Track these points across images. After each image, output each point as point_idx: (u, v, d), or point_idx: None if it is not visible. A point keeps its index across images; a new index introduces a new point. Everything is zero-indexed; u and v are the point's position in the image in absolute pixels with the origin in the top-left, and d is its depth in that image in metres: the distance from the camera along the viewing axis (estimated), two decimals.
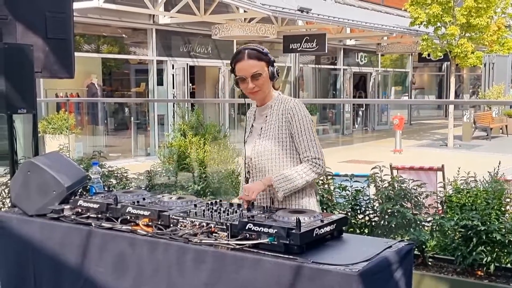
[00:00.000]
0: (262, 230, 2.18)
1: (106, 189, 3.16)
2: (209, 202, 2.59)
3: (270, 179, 2.67)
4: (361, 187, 4.47)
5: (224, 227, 2.28)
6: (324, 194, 4.48)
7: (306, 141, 2.71)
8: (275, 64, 2.78)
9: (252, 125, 2.89)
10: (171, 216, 2.44)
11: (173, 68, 14.43)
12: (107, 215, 2.63)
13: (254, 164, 2.78)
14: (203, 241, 2.27)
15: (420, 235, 4.03)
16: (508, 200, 4.06)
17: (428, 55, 18.41)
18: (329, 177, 4.65)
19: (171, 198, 2.70)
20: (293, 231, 2.12)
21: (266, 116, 2.80)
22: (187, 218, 2.39)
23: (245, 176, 2.85)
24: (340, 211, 4.35)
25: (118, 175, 5.44)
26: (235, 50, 17.41)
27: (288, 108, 2.73)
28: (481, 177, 4.33)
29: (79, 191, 2.93)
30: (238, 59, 2.73)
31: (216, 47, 15.72)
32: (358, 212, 4.41)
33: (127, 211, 2.56)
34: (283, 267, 2.07)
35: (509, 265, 4.00)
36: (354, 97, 22.44)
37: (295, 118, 2.71)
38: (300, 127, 2.71)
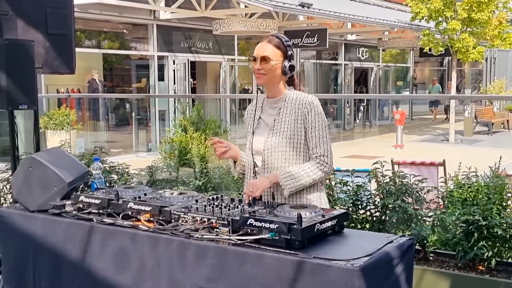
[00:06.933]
0: (263, 226, 2.18)
1: (107, 184, 3.17)
2: (211, 198, 2.59)
3: (277, 176, 2.67)
4: (362, 182, 4.47)
5: (226, 222, 2.28)
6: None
7: (318, 138, 2.71)
8: (292, 60, 2.78)
9: (260, 117, 2.86)
10: (172, 211, 2.44)
11: (174, 63, 14.42)
12: (109, 210, 2.63)
13: (266, 157, 2.76)
14: (204, 237, 2.27)
15: (421, 230, 4.03)
16: (509, 195, 4.06)
17: (430, 50, 18.38)
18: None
19: (172, 193, 2.70)
20: (294, 226, 2.12)
21: (280, 109, 2.78)
22: (189, 214, 2.39)
23: (253, 168, 2.83)
24: (341, 206, 4.35)
25: (120, 170, 5.45)
26: (236, 45, 17.36)
27: (306, 102, 2.73)
28: (482, 172, 4.32)
29: (81, 186, 2.93)
30: (260, 40, 2.79)
31: (217, 42, 15.69)
32: (359, 207, 4.41)
33: (128, 206, 2.56)
34: (285, 262, 2.07)
35: (510, 259, 4.00)
36: (355, 92, 22.41)
37: (311, 113, 2.71)
38: (314, 123, 2.71)
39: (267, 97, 2.86)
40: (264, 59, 2.72)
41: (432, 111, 24.33)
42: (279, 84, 2.79)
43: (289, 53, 2.77)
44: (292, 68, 2.77)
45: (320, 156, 2.70)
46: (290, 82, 2.84)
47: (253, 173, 2.83)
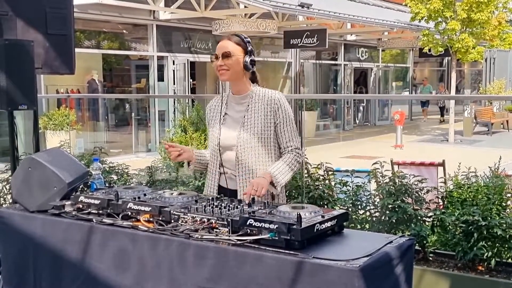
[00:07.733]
0: (263, 226, 2.17)
1: (107, 185, 3.16)
2: (210, 198, 2.59)
3: (270, 174, 2.72)
4: (362, 183, 4.47)
5: (225, 222, 2.28)
6: (325, 190, 4.49)
7: (290, 132, 2.85)
8: (252, 56, 2.84)
9: (226, 113, 2.92)
10: (172, 211, 2.44)
11: (173, 63, 14.42)
12: (108, 211, 2.62)
13: (239, 153, 2.82)
14: (204, 237, 2.27)
15: (421, 230, 4.03)
16: (509, 195, 4.06)
17: (429, 50, 18.38)
18: (330, 173, 4.66)
19: (172, 193, 2.69)
20: (294, 226, 2.12)
21: (248, 105, 2.85)
22: (188, 214, 2.39)
23: (219, 163, 2.87)
24: (341, 207, 4.35)
25: (119, 171, 5.45)
26: None
27: (275, 98, 2.83)
28: (482, 172, 4.33)
29: (80, 187, 2.93)
30: (220, 40, 2.90)
31: (217, 42, 15.52)
32: (359, 207, 4.41)
33: (128, 207, 2.56)
34: (284, 262, 2.07)
35: (510, 260, 4.00)
36: (355, 92, 22.42)
37: (281, 109, 2.83)
38: (285, 118, 2.83)
39: (232, 93, 2.94)
40: (226, 55, 2.80)
41: (424, 111, 24.39)
42: (242, 79, 2.87)
43: (249, 48, 2.84)
44: (253, 62, 2.84)
45: (295, 149, 2.85)
46: (253, 79, 2.92)
47: (219, 167, 2.88)
